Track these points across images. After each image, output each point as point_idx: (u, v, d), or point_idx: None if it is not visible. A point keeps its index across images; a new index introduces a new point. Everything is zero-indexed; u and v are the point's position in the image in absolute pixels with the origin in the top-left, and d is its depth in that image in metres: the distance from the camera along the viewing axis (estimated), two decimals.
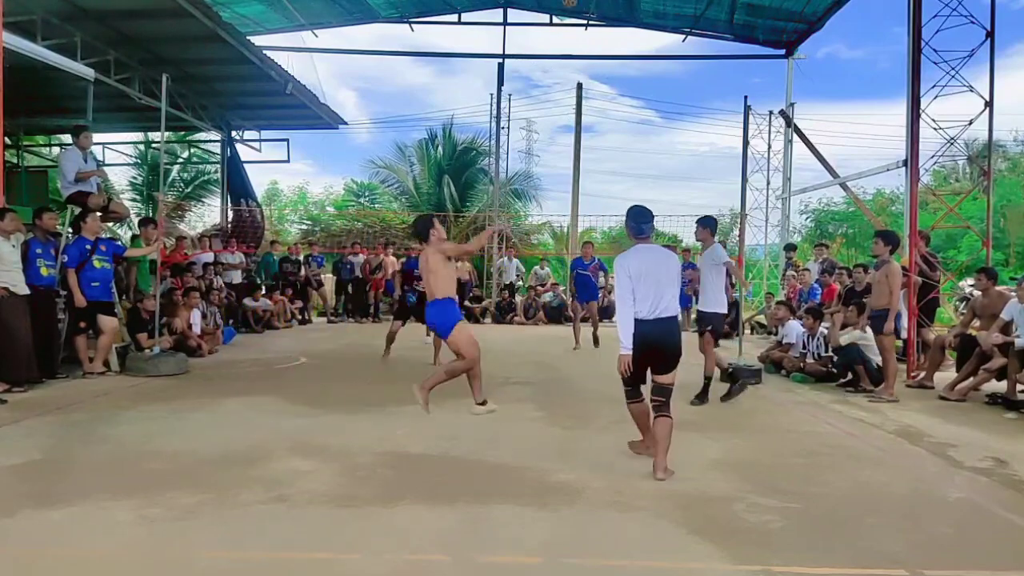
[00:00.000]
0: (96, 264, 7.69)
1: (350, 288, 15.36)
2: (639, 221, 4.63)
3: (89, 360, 7.66)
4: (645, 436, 4.74)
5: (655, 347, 4.44)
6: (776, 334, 10.05)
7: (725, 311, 7.23)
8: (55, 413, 5.83)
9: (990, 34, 9.44)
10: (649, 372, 4.56)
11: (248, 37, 11.99)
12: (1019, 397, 6.90)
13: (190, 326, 9.45)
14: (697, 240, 7.51)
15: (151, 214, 19.07)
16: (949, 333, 8.42)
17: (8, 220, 6.75)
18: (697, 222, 7.17)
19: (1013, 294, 7.38)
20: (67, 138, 8.38)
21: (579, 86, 18.76)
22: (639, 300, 4.43)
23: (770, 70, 39.28)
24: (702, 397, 6.79)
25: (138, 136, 19.77)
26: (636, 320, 4.42)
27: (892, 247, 7.56)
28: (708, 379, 6.86)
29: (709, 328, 6.91)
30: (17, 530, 3.35)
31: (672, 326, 4.52)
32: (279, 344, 11.08)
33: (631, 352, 4.39)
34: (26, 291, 6.82)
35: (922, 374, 8.24)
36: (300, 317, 14.43)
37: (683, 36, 17.75)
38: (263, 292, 13.32)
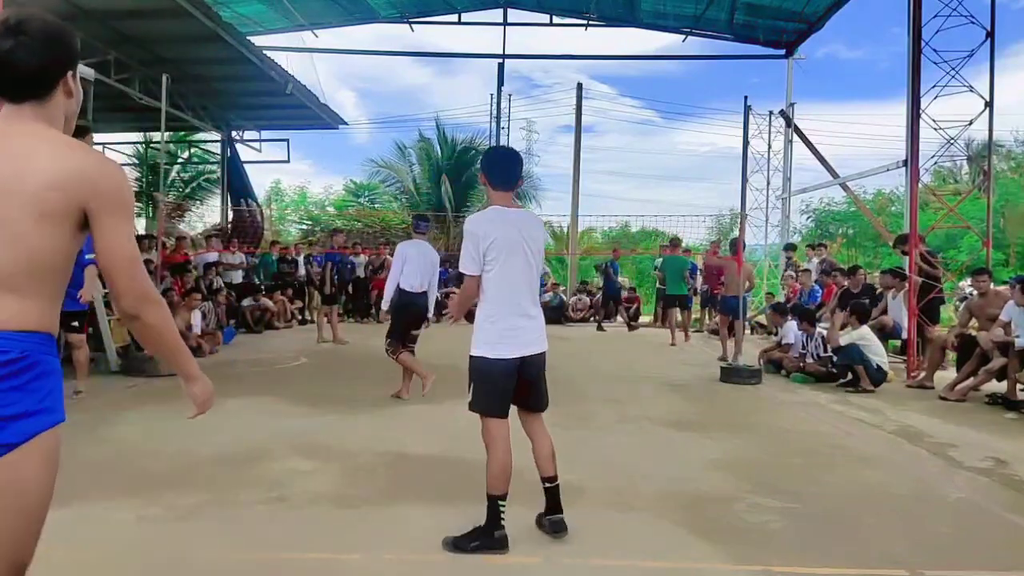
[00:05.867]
0: None
1: (351, 288, 15.37)
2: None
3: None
4: (423, 374, 6.39)
5: (416, 312, 6.44)
6: (776, 334, 10.05)
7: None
8: None
9: (990, 34, 9.45)
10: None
11: (248, 37, 12.00)
12: (1019, 397, 6.90)
13: (190, 327, 9.44)
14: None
15: (151, 214, 19.10)
16: (949, 333, 8.43)
17: None
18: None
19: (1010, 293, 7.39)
20: None
21: (579, 86, 18.79)
22: (408, 275, 6.34)
23: (770, 70, 39.22)
24: None
25: (138, 136, 19.77)
26: (402, 291, 6.30)
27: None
28: None
29: None
30: None
31: (426, 300, 6.46)
32: (279, 344, 11.07)
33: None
34: None
35: (922, 374, 8.24)
36: (300, 317, 14.44)
37: (683, 36, 17.76)
38: (263, 292, 13.32)
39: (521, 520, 3.57)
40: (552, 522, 3.32)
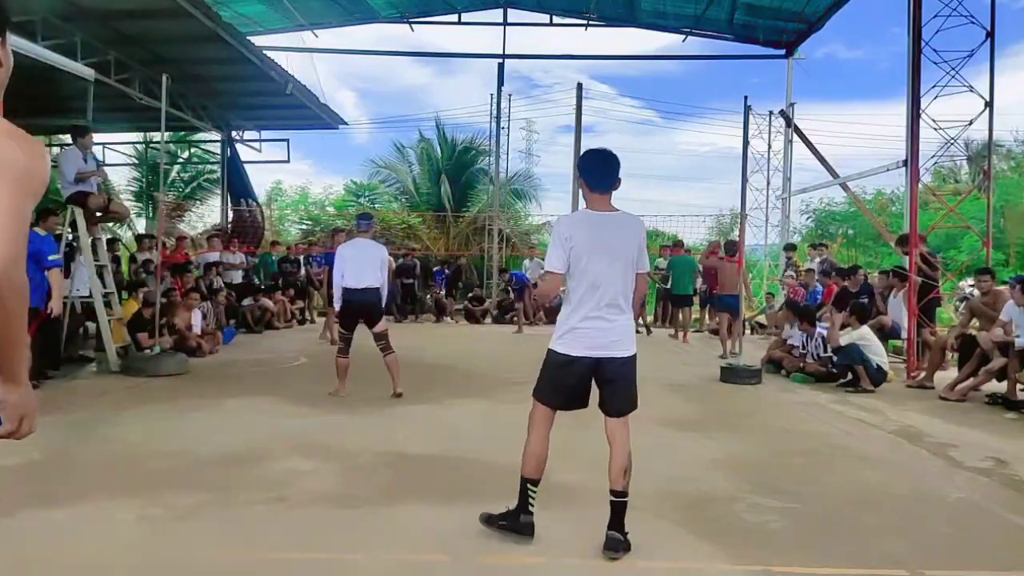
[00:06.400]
0: None
1: None
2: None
3: None
4: (342, 383, 6.67)
5: (359, 308, 6.56)
6: (781, 332, 10.05)
7: None
8: (55, 413, 5.82)
9: (990, 34, 9.45)
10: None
11: (248, 37, 11.98)
12: (1019, 397, 6.90)
13: (190, 327, 9.44)
14: None
15: (151, 214, 19.11)
16: (949, 334, 8.42)
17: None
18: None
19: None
20: (67, 138, 8.30)
21: (579, 86, 18.73)
22: (348, 274, 6.49)
23: (770, 70, 39.07)
24: None
25: (138, 136, 19.78)
26: (344, 288, 6.50)
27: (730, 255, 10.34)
28: None
29: None
30: (17, 530, 3.34)
31: (373, 296, 6.55)
32: (279, 344, 11.07)
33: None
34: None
35: (922, 374, 8.24)
36: (300, 317, 14.44)
37: (683, 36, 17.76)
38: (262, 292, 13.32)
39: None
40: (606, 537, 3.19)
